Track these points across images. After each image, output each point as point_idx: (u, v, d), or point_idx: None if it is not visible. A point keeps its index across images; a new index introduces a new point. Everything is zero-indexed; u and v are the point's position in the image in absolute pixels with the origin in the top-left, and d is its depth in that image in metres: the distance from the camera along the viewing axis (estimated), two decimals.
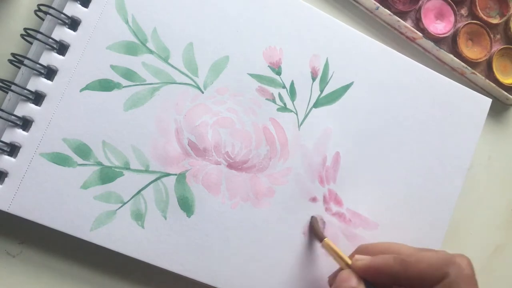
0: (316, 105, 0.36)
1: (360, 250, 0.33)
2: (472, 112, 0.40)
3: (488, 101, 0.40)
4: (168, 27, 0.34)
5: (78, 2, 0.33)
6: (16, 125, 0.32)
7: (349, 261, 0.31)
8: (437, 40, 0.41)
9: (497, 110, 0.43)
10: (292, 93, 0.36)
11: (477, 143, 0.39)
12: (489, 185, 0.43)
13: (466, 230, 0.42)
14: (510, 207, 0.43)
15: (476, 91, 0.40)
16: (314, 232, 0.35)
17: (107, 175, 0.32)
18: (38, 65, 0.32)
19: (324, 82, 0.37)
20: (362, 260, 0.31)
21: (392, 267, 0.30)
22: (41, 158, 0.32)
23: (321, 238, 0.33)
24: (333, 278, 0.33)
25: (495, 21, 0.42)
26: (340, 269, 0.32)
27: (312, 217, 0.35)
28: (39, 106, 0.32)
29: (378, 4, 0.40)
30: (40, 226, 0.31)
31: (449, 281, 0.28)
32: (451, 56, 0.41)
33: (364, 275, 0.30)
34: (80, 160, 0.32)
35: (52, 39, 0.32)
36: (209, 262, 0.33)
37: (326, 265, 0.35)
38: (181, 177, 0.33)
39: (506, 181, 0.43)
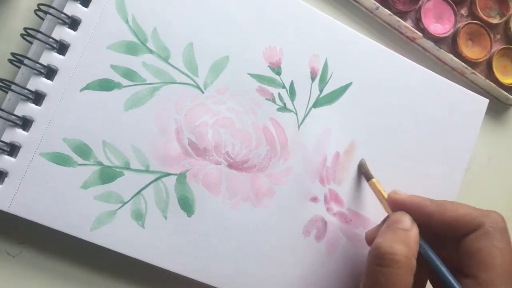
0: (316, 105, 0.36)
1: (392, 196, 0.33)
2: (470, 112, 0.40)
3: (486, 101, 0.40)
4: (168, 27, 0.34)
5: (78, 1, 0.33)
6: (16, 125, 0.32)
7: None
8: (437, 40, 0.41)
9: (497, 110, 0.43)
10: (292, 93, 0.36)
11: (475, 143, 0.39)
12: (489, 185, 0.43)
13: None
14: (510, 207, 0.43)
15: (476, 91, 0.40)
16: (363, 171, 0.36)
17: (107, 175, 0.32)
18: (38, 65, 0.32)
19: (323, 82, 0.37)
20: (400, 194, 0.32)
21: (428, 207, 0.30)
22: (41, 158, 0.32)
23: (368, 178, 0.35)
24: (372, 233, 0.33)
25: (495, 21, 0.42)
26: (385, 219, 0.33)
27: (362, 159, 0.37)
28: (39, 106, 0.32)
29: (378, 4, 0.40)
30: (40, 226, 0.31)
31: (484, 231, 0.29)
32: (451, 56, 0.41)
33: (399, 210, 0.31)
34: (80, 160, 0.32)
35: (52, 38, 0.32)
36: (209, 262, 0.33)
37: (327, 265, 0.35)
38: (181, 177, 0.33)
39: (506, 181, 0.43)
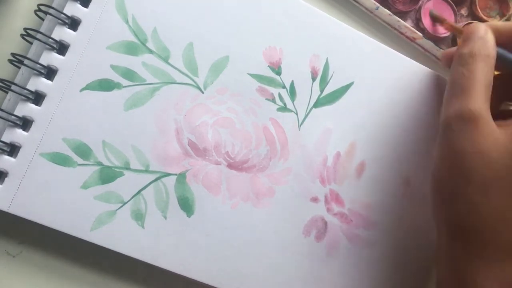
0: (316, 105, 0.36)
1: None
2: None
3: None
4: (168, 27, 0.34)
5: (78, 2, 0.33)
6: (16, 125, 0.32)
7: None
8: (437, 40, 0.41)
9: None
10: (292, 93, 0.36)
11: None
12: None
13: None
14: None
15: None
16: (435, 17, 0.39)
17: (107, 175, 0.32)
18: (38, 65, 0.32)
19: (324, 82, 0.37)
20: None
21: None
22: (41, 158, 0.32)
23: (442, 21, 0.39)
24: (449, 52, 0.35)
25: (495, 21, 0.42)
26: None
27: (432, 10, 0.40)
28: (39, 106, 0.32)
29: (378, 4, 0.40)
30: (40, 226, 0.31)
31: None
32: None
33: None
34: (80, 160, 0.32)
35: (52, 39, 0.32)
36: (209, 262, 0.33)
37: (327, 266, 0.35)
38: (181, 177, 0.33)
39: None
